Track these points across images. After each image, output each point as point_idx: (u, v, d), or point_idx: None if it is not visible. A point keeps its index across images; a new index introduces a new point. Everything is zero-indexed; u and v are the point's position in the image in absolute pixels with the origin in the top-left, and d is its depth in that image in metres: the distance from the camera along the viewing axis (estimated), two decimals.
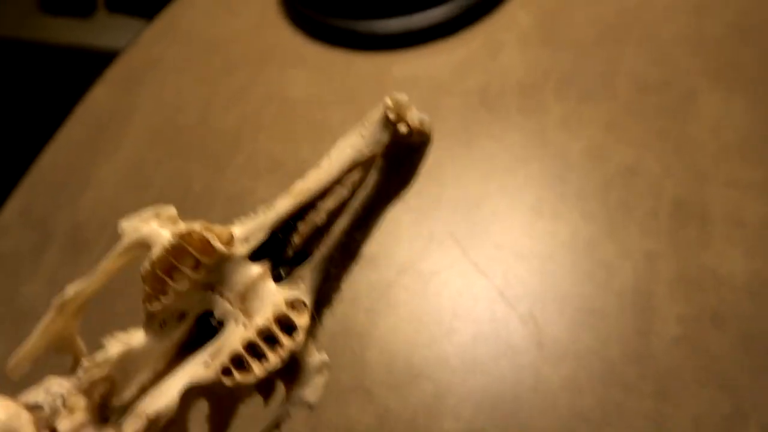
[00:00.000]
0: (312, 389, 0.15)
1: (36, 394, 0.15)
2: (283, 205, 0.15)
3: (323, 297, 0.16)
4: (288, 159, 0.39)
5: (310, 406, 0.15)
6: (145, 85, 0.46)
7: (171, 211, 0.15)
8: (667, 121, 0.35)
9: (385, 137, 0.15)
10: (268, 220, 0.15)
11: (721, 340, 0.28)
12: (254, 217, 0.15)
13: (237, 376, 0.14)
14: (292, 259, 0.15)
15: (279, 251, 0.15)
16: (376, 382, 0.29)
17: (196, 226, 0.14)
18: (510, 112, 0.38)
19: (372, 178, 0.15)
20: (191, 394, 0.15)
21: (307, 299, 0.15)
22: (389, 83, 0.41)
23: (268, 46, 0.46)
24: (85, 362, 0.14)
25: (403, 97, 0.15)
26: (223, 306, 0.15)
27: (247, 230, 0.15)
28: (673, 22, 0.39)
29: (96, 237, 0.38)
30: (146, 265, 0.14)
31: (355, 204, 0.15)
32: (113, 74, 0.47)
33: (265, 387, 0.15)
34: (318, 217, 0.15)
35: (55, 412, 0.15)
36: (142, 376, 0.15)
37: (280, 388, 0.16)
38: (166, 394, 0.14)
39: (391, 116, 0.14)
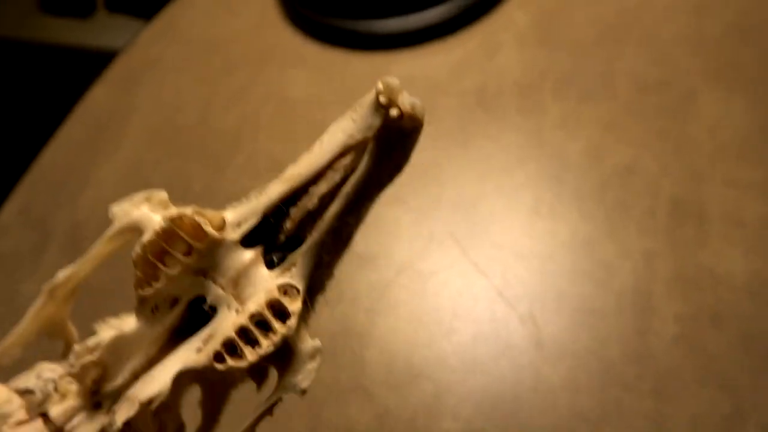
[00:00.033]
0: (304, 375, 0.15)
1: (27, 380, 0.15)
2: (275, 190, 0.15)
3: (316, 283, 0.16)
4: (287, 159, 0.39)
5: (302, 392, 0.15)
6: (144, 85, 0.46)
7: (162, 195, 0.15)
8: (665, 121, 0.35)
9: (376, 121, 0.14)
10: (260, 205, 0.15)
11: (720, 340, 0.28)
12: (246, 201, 0.15)
13: (230, 361, 0.14)
14: (284, 245, 0.15)
15: (271, 237, 0.15)
16: (376, 381, 0.29)
17: (188, 210, 0.14)
18: (507, 112, 0.38)
19: (364, 162, 0.15)
20: (183, 379, 0.15)
21: (300, 285, 0.15)
22: None
23: (267, 46, 0.46)
24: (77, 348, 0.14)
25: (394, 81, 0.14)
26: (215, 291, 0.15)
27: (239, 215, 0.15)
28: (672, 22, 0.39)
29: (95, 236, 0.38)
30: (137, 249, 0.14)
31: (347, 189, 0.15)
32: (113, 74, 0.47)
33: (257, 373, 0.15)
34: (310, 202, 0.15)
35: (46, 397, 0.15)
36: (134, 362, 0.15)
37: (273, 375, 0.16)
38: (159, 380, 0.14)
39: (383, 100, 0.14)
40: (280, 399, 0.15)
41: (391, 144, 0.15)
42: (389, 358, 0.30)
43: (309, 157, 0.15)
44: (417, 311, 0.31)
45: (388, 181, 0.15)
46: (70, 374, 0.14)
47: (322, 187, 0.15)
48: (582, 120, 0.36)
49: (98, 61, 0.56)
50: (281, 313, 0.15)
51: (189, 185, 0.39)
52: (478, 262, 0.32)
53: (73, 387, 0.14)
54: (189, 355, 0.15)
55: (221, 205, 0.40)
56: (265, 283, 0.15)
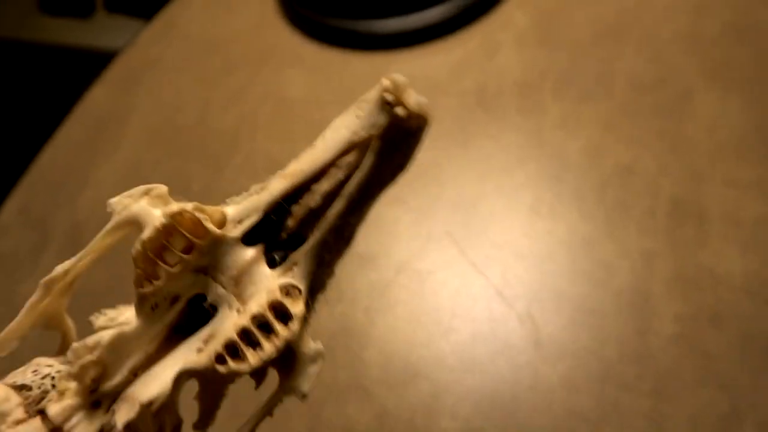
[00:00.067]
0: (305, 378, 0.15)
1: (24, 375, 0.15)
2: (277, 186, 0.15)
3: (317, 282, 0.15)
4: (286, 158, 0.39)
5: (303, 395, 0.15)
6: (143, 85, 0.46)
7: (161, 189, 0.14)
8: (664, 121, 0.35)
9: (382, 119, 0.14)
10: (261, 201, 0.15)
11: (719, 340, 0.28)
12: (246, 196, 0.15)
13: (231, 363, 0.14)
14: (285, 243, 0.15)
15: (272, 234, 0.15)
16: (375, 381, 0.29)
17: (188, 206, 0.14)
18: (507, 112, 0.38)
19: (367, 160, 0.14)
20: (183, 379, 0.15)
21: (302, 285, 0.15)
22: None
23: (266, 46, 0.46)
24: (75, 346, 0.14)
25: (401, 78, 0.14)
26: (216, 290, 0.15)
27: (240, 211, 0.15)
28: (670, 23, 0.39)
29: (94, 236, 0.38)
30: (137, 246, 0.14)
31: (351, 187, 0.15)
32: (112, 74, 0.47)
33: (257, 372, 0.15)
34: (312, 199, 0.15)
35: (44, 394, 0.14)
36: (133, 359, 0.14)
37: (273, 373, 0.16)
38: (159, 381, 0.14)
39: (389, 98, 0.14)
40: (281, 401, 0.15)
41: (395, 142, 0.14)
42: (388, 357, 0.30)
43: (312, 153, 0.15)
44: (416, 311, 0.31)
45: (391, 179, 0.15)
46: (69, 373, 0.14)
47: (325, 185, 0.15)
48: (581, 120, 0.36)
49: (97, 62, 0.56)
50: (283, 314, 0.15)
51: (188, 185, 0.39)
52: (477, 261, 0.32)
53: (71, 385, 0.14)
54: (189, 355, 0.14)
55: (221, 204, 0.40)
56: (266, 282, 0.15)
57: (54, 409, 0.14)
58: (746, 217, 0.31)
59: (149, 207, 0.14)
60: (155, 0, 0.57)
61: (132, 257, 0.14)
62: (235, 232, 0.14)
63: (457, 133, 0.37)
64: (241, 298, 0.15)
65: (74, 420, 0.14)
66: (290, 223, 0.15)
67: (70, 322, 0.15)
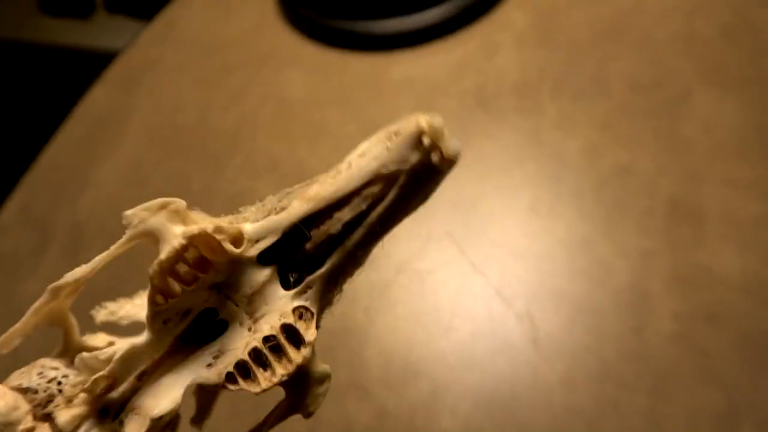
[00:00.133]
0: (313, 399, 0.15)
1: (29, 377, 0.15)
2: (298, 209, 0.14)
3: (327, 301, 0.16)
4: (286, 158, 0.39)
5: (309, 414, 0.15)
6: (144, 85, 0.46)
7: (179, 204, 0.14)
8: (661, 121, 0.35)
9: (413, 158, 0.14)
10: (281, 223, 0.14)
11: (716, 338, 0.28)
12: (262, 208, 0.15)
13: (242, 383, 0.14)
14: (301, 265, 0.15)
15: (289, 256, 0.15)
16: (375, 380, 0.30)
17: (208, 227, 0.14)
18: (506, 112, 0.38)
19: (392, 193, 0.14)
20: (191, 391, 0.15)
21: (315, 308, 0.15)
22: (386, 84, 0.41)
23: (266, 47, 0.46)
24: (87, 357, 0.14)
25: (439, 121, 0.14)
26: (228, 306, 0.15)
27: (258, 231, 0.14)
28: (667, 24, 0.39)
29: (95, 236, 0.38)
30: (155, 266, 0.14)
31: (372, 218, 0.15)
32: (112, 75, 0.48)
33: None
34: (332, 226, 0.15)
35: (50, 397, 0.14)
36: (141, 367, 0.15)
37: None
38: (169, 395, 0.14)
39: (426, 142, 0.14)
40: (285, 418, 0.16)
41: (421, 179, 0.14)
42: (388, 356, 0.30)
43: (336, 180, 0.14)
44: (415, 310, 0.31)
45: (412, 212, 0.15)
46: (78, 383, 0.14)
47: (347, 214, 0.15)
48: (580, 120, 0.36)
49: (98, 62, 0.56)
50: (295, 335, 0.15)
51: (188, 185, 0.39)
52: (476, 261, 0.32)
53: (80, 392, 0.14)
54: (199, 369, 0.15)
55: (221, 204, 0.40)
56: (279, 303, 0.15)
57: (63, 417, 0.14)
58: (744, 217, 0.31)
59: (168, 223, 0.14)
60: (155, 1, 0.57)
61: (149, 276, 0.14)
62: (251, 251, 0.14)
63: (457, 133, 0.37)
64: (253, 317, 0.15)
65: (83, 429, 0.14)
66: (308, 245, 0.15)
67: (72, 320, 0.16)
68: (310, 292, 0.15)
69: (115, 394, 0.14)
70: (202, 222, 0.14)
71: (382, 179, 0.14)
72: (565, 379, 0.28)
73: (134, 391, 0.15)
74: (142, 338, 0.14)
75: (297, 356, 0.15)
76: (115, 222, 0.38)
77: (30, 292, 0.36)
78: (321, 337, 0.16)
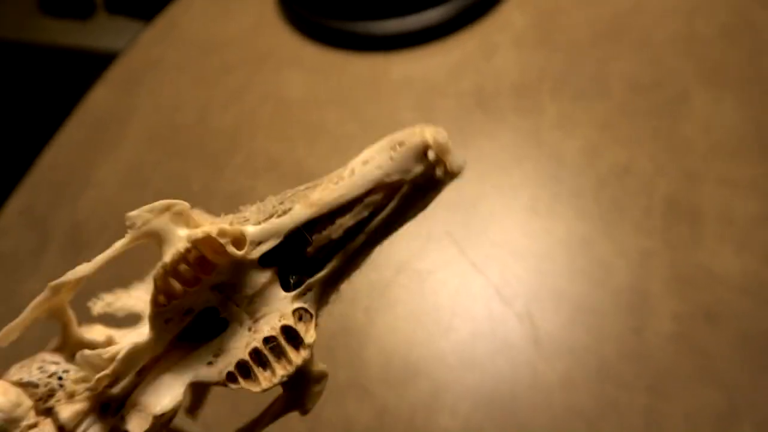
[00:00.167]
0: (310, 397, 0.16)
1: (29, 371, 0.15)
2: (301, 213, 0.15)
3: (325, 301, 0.16)
4: (285, 158, 0.39)
5: (305, 412, 0.16)
6: (144, 85, 0.46)
7: (183, 206, 0.14)
8: (660, 121, 0.35)
9: (417, 170, 0.14)
10: (283, 226, 0.15)
11: (716, 338, 0.28)
12: (263, 209, 0.15)
13: (242, 383, 0.15)
14: (301, 267, 0.15)
15: (290, 258, 0.15)
16: (375, 379, 0.30)
17: (212, 231, 0.14)
18: (505, 112, 0.38)
19: (393, 202, 0.15)
20: (192, 388, 0.15)
21: (314, 309, 0.15)
22: (385, 84, 0.41)
23: (265, 47, 0.46)
24: (89, 354, 0.14)
25: (444, 137, 0.14)
26: (229, 306, 0.15)
27: (260, 233, 0.15)
28: (666, 24, 0.40)
29: (95, 236, 0.38)
30: (160, 269, 0.14)
31: (373, 225, 0.15)
32: (113, 75, 0.48)
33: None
34: (333, 231, 0.15)
35: (50, 391, 0.15)
36: (141, 363, 0.15)
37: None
38: (171, 393, 0.15)
39: (431, 156, 0.14)
40: (283, 415, 0.16)
41: (423, 189, 0.15)
42: (388, 356, 0.30)
43: (339, 186, 0.15)
44: (415, 310, 0.31)
45: (411, 219, 0.15)
46: (80, 379, 0.14)
47: (348, 220, 0.15)
48: (579, 120, 0.36)
49: (98, 62, 0.56)
50: (294, 336, 0.15)
51: (188, 185, 0.39)
52: (476, 261, 0.32)
53: (80, 387, 0.14)
54: (200, 367, 0.15)
55: (220, 204, 0.40)
56: (279, 304, 0.15)
57: (65, 413, 0.14)
58: (742, 217, 0.31)
59: (172, 225, 0.14)
60: (155, 1, 0.57)
61: (153, 278, 0.14)
62: (253, 254, 0.15)
63: (456, 134, 0.38)
64: (254, 317, 0.15)
65: (85, 425, 0.14)
66: (309, 249, 0.15)
67: (71, 314, 0.16)
68: (309, 294, 0.15)
69: (115, 389, 0.14)
70: (205, 223, 0.15)
71: (384, 188, 0.15)
72: (565, 379, 0.28)
73: (134, 386, 0.15)
74: (143, 337, 0.15)
75: (297, 357, 0.15)
76: (116, 222, 0.39)
77: (30, 292, 0.36)
78: (321, 337, 0.16)
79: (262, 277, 0.15)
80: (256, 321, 0.15)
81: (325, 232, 0.15)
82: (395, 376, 0.30)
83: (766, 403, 0.26)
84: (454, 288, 0.32)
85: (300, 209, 0.15)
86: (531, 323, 0.30)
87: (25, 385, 0.15)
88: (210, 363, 0.15)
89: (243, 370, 0.15)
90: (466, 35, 0.42)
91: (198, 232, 0.14)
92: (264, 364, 0.15)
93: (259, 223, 0.15)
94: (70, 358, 0.15)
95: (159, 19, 0.51)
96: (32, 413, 0.14)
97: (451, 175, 0.14)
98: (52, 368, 0.15)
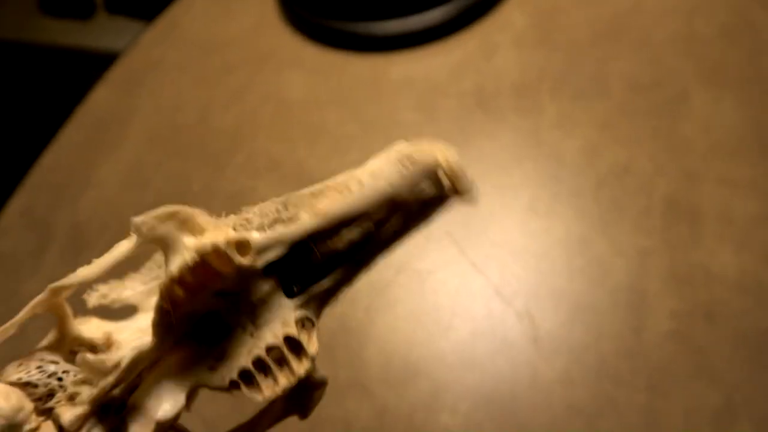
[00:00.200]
0: (310, 402, 0.16)
1: (28, 371, 0.15)
2: (307, 223, 0.15)
3: (326, 306, 0.16)
4: (286, 158, 0.39)
5: (304, 417, 0.16)
6: (145, 86, 0.46)
7: (188, 212, 0.14)
8: (659, 121, 0.35)
9: (428, 188, 0.15)
10: (288, 235, 0.15)
11: (714, 336, 0.28)
12: (268, 212, 0.15)
13: (245, 390, 0.15)
14: (305, 276, 0.15)
15: (294, 266, 0.15)
16: (375, 379, 0.30)
17: (220, 242, 0.14)
18: (505, 112, 0.38)
19: (400, 218, 0.15)
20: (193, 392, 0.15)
21: (316, 317, 0.15)
22: (386, 84, 0.41)
23: (266, 48, 0.46)
24: (92, 360, 0.14)
25: (457, 160, 0.14)
26: (232, 311, 0.15)
27: (265, 242, 0.15)
28: (666, 24, 0.40)
29: (96, 237, 0.39)
30: (166, 280, 0.14)
31: (379, 237, 0.15)
32: (114, 76, 0.48)
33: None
34: (339, 242, 0.15)
35: (50, 392, 0.15)
36: (142, 366, 0.15)
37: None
38: (173, 398, 0.15)
39: (444, 182, 0.14)
40: (281, 419, 0.16)
41: (429, 206, 0.15)
42: (388, 355, 0.30)
43: (347, 198, 0.15)
44: (415, 310, 0.32)
45: (414, 231, 0.15)
46: (82, 381, 0.14)
47: (354, 233, 0.15)
48: (578, 120, 0.36)
49: (98, 63, 0.56)
50: (296, 345, 0.15)
51: (189, 185, 0.39)
52: (476, 260, 0.32)
53: (81, 389, 0.14)
54: (201, 371, 0.15)
55: (221, 204, 0.40)
56: (282, 312, 0.15)
57: (67, 417, 0.14)
58: (740, 216, 0.31)
59: (178, 233, 0.14)
60: (156, 1, 0.57)
61: (158, 288, 0.14)
62: (258, 262, 0.15)
63: (456, 134, 0.38)
64: (256, 323, 0.15)
65: (86, 428, 0.14)
66: (313, 258, 0.15)
67: (68, 309, 0.16)
68: (312, 302, 0.15)
69: (115, 391, 0.15)
70: (209, 227, 0.14)
71: (392, 203, 0.15)
72: (565, 378, 0.28)
73: (133, 388, 0.15)
74: (146, 343, 0.15)
75: (299, 368, 0.15)
76: (116, 222, 0.39)
77: (30, 293, 0.36)
78: (321, 336, 0.16)
79: (266, 284, 0.15)
80: (258, 327, 0.15)
81: (330, 243, 0.15)
82: (395, 375, 0.30)
83: (764, 400, 0.26)
84: (454, 287, 0.32)
85: (306, 218, 0.15)
86: (530, 322, 0.30)
87: (24, 386, 0.15)
88: (212, 368, 0.15)
89: (245, 377, 0.15)
90: (467, 35, 0.42)
91: (206, 244, 0.14)
92: (267, 372, 0.15)
93: (263, 228, 0.15)
94: (68, 355, 0.15)
95: (160, 19, 0.51)
96: (33, 416, 0.14)
97: (461, 198, 0.15)
98: (51, 368, 0.15)
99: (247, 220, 0.15)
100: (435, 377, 0.29)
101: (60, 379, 0.15)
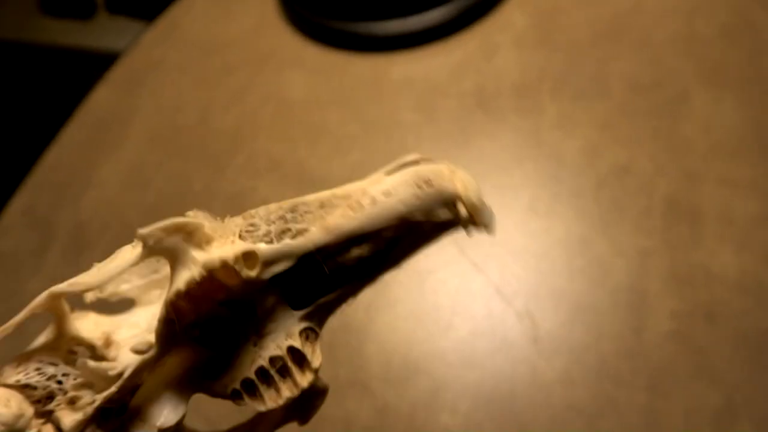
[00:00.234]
0: (310, 410, 0.16)
1: (26, 373, 0.15)
2: (317, 238, 0.14)
3: (330, 315, 0.16)
4: (286, 158, 0.39)
5: (303, 423, 0.16)
6: (146, 86, 0.46)
7: (196, 224, 0.14)
8: (659, 121, 0.35)
9: (443, 214, 0.15)
10: (297, 248, 0.14)
11: (714, 337, 0.28)
12: (275, 219, 0.15)
13: (247, 401, 0.15)
14: (311, 289, 0.15)
15: (300, 279, 0.15)
16: (375, 377, 0.30)
17: (229, 257, 0.14)
18: (505, 112, 0.38)
19: (411, 238, 0.15)
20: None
21: (319, 328, 0.15)
22: (386, 84, 0.41)
23: (267, 48, 0.46)
24: (94, 366, 0.14)
25: (477, 193, 0.14)
26: (236, 321, 0.15)
27: (273, 254, 0.14)
28: (666, 24, 0.40)
29: (98, 236, 0.39)
30: (172, 296, 0.14)
31: (388, 256, 0.15)
32: (115, 76, 0.48)
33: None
34: (348, 258, 0.15)
35: (49, 394, 0.14)
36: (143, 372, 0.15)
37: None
38: (174, 405, 0.15)
39: (463, 213, 0.14)
40: (281, 425, 0.16)
41: (441, 227, 0.15)
42: (388, 354, 0.30)
43: (359, 215, 0.14)
44: (416, 309, 0.32)
45: (422, 250, 0.15)
46: (81, 384, 0.14)
47: (365, 251, 0.15)
48: (579, 120, 0.36)
49: (99, 63, 0.56)
50: (300, 359, 0.15)
51: (189, 185, 0.39)
52: (476, 260, 0.33)
53: (83, 393, 0.14)
54: (204, 380, 0.15)
55: (221, 204, 0.40)
56: (287, 322, 0.15)
57: (68, 421, 0.14)
58: (740, 216, 0.31)
59: (186, 246, 0.14)
60: (156, 1, 0.57)
61: (165, 301, 0.14)
62: (265, 274, 0.14)
63: (457, 134, 0.38)
64: (260, 333, 0.15)
65: None
66: (320, 272, 0.15)
67: (66, 307, 0.15)
68: (316, 314, 0.15)
69: (116, 395, 0.15)
70: (216, 235, 0.14)
71: (404, 223, 0.15)
72: (564, 378, 0.28)
73: (134, 390, 0.15)
74: (149, 353, 0.14)
75: (303, 380, 0.15)
76: (117, 222, 0.39)
77: (32, 292, 0.36)
78: (321, 336, 0.16)
79: (271, 295, 0.15)
80: (262, 337, 0.15)
81: (339, 259, 0.15)
82: (396, 374, 0.30)
83: (764, 400, 0.26)
84: (454, 287, 0.32)
85: (316, 233, 0.14)
86: (530, 322, 0.30)
87: (22, 388, 0.14)
88: (214, 376, 0.15)
89: (248, 387, 0.15)
90: (467, 36, 0.43)
91: (215, 260, 0.14)
92: (269, 383, 0.15)
93: (271, 238, 0.15)
94: (66, 354, 0.15)
95: (160, 19, 0.51)
96: (34, 422, 0.14)
97: (478, 229, 0.15)
98: (51, 370, 0.15)
99: (253, 225, 0.15)
100: (435, 376, 0.29)
101: (60, 382, 0.15)
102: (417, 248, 0.15)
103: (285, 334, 0.15)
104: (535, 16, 0.42)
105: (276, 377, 0.15)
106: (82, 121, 0.45)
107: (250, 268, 0.14)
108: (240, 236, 0.15)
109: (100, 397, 0.14)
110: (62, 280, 0.15)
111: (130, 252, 0.14)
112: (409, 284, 0.32)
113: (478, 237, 0.33)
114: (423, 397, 0.29)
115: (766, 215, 0.31)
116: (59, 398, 0.15)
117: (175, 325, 0.14)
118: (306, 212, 0.15)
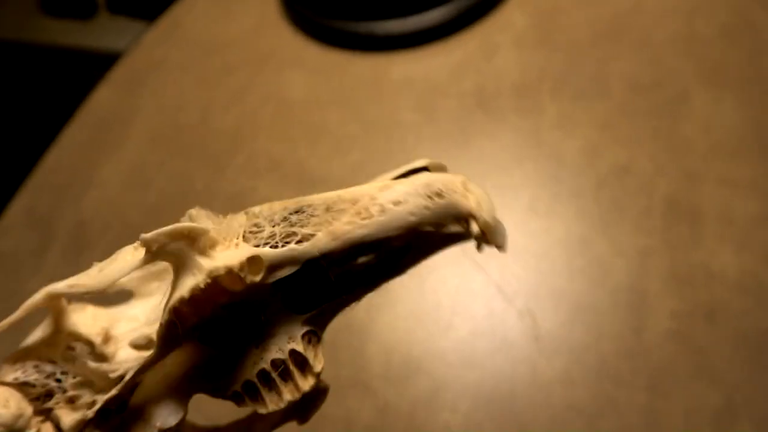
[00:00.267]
0: (311, 410, 0.16)
1: (24, 370, 0.15)
2: (323, 243, 0.14)
3: (333, 318, 0.16)
4: (287, 158, 0.39)
5: (303, 423, 0.16)
6: (147, 86, 0.46)
7: (200, 230, 0.14)
8: (660, 121, 0.35)
9: (453, 227, 0.14)
10: (302, 254, 0.14)
11: (714, 336, 0.28)
12: (280, 219, 0.15)
13: (249, 403, 0.15)
14: (315, 294, 0.15)
15: (304, 284, 0.15)
16: (376, 377, 0.30)
17: (234, 264, 0.14)
18: (506, 112, 0.38)
19: (420, 248, 0.15)
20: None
21: (322, 332, 0.15)
22: (386, 84, 0.41)
23: (267, 48, 0.46)
24: (94, 368, 0.14)
25: (494, 215, 0.14)
26: (238, 324, 0.15)
27: (278, 258, 0.14)
28: (666, 24, 0.40)
29: (98, 236, 0.39)
30: (176, 302, 0.14)
31: (395, 265, 0.15)
32: (116, 76, 0.48)
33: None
34: (354, 265, 0.15)
35: (47, 392, 0.14)
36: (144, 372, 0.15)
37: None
38: (175, 406, 0.15)
39: (475, 231, 0.14)
40: (281, 424, 0.16)
41: (450, 239, 0.15)
42: (389, 354, 0.30)
43: (367, 224, 0.14)
44: (416, 308, 0.32)
45: (430, 257, 0.15)
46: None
47: (370, 258, 0.15)
48: (579, 120, 0.37)
49: (99, 63, 0.56)
50: (302, 362, 0.15)
51: (190, 185, 0.39)
52: (477, 259, 0.33)
53: (82, 392, 0.14)
54: (205, 380, 0.15)
55: (222, 204, 0.40)
56: (290, 326, 0.15)
57: (67, 421, 0.14)
58: (741, 216, 0.31)
59: (191, 252, 0.14)
60: (157, 1, 0.57)
61: (168, 307, 0.14)
62: (269, 279, 0.14)
63: (457, 134, 0.38)
64: (262, 336, 0.15)
65: None
66: (325, 277, 0.15)
67: (64, 303, 0.15)
68: (319, 318, 0.15)
69: (114, 392, 0.15)
70: (220, 238, 0.14)
71: (412, 232, 0.14)
72: (565, 377, 0.28)
73: (134, 388, 0.15)
74: (150, 355, 0.14)
75: (304, 384, 0.15)
76: (118, 222, 0.39)
77: (32, 292, 0.36)
78: (323, 335, 0.16)
79: (274, 299, 0.15)
80: (264, 340, 0.15)
81: (345, 266, 0.15)
82: (396, 373, 0.30)
83: (765, 400, 0.26)
84: (455, 286, 0.32)
85: (322, 239, 0.14)
86: (531, 322, 0.30)
87: (21, 386, 0.14)
88: (216, 377, 0.15)
89: (249, 389, 0.15)
90: (467, 36, 0.43)
91: (220, 268, 0.14)
92: (271, 386, 0.15)
93: (275, 242, 0.14)
94: (65, 351, 0.15)
95: (162, 19, 0.51)
96: (33, 421, 0.14)
97: (490, 247, 0.14)
98: (49, 368, 0.15)
99: (257, 225, 0.15)
100: (435, 376, 0.29)
101: (59, 380, 0.15)
102: (424, 257, 0.15)
103: (287, 338, 0.15)
104: (535, 16, 0.42)
105: (277, 380, 0.15)
106: (83, 121, 0.46)
107: (255, 273, 0.14)
108: (244, 237, 0.14)
109: (100, 399, 0.14)
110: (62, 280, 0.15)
111: (132, 254, 0.14)
112: (409, 284, 0.32)
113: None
114: (423, 397, 0.29)
115: (766, 215, 0.31)
116: (58, 396, 0.15)
117: (177, 328, 0.14)
118: (312, 215, 0.14)
